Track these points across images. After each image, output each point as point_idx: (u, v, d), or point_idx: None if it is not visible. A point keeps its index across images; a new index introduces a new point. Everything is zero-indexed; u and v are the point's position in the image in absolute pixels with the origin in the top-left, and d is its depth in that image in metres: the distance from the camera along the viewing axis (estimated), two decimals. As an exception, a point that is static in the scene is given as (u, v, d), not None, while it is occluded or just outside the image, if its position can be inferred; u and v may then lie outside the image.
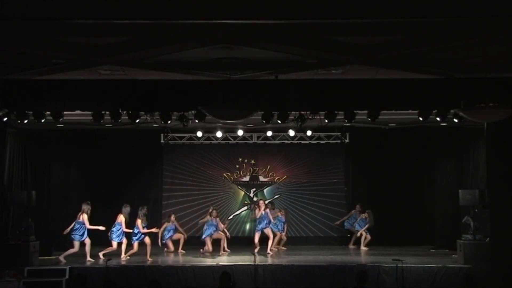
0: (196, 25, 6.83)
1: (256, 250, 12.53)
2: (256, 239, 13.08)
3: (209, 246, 13.04)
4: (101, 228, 12.22)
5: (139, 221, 12.27)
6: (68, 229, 12.14)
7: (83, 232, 12.12)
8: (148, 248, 12.21)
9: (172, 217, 13.56)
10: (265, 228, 13.13)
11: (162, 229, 13.39)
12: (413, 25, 6.90)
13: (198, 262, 11.75)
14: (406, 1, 6.36)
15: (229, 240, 13.54)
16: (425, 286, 10.80)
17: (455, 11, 6.40)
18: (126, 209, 12.57)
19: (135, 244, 12.33)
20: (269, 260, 11.88)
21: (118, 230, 12.35)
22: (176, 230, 13.55)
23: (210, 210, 13.40)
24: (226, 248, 13.23)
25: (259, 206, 13.39)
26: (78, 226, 12.12)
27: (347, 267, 11.18)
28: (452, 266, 11.10)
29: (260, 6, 6.36)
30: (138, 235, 12.28)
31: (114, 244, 12.32)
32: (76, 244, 12.10)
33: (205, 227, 13.20)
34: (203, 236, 13.11)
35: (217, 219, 13.32)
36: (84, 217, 12.13)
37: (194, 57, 8.68)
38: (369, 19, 6.63)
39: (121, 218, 12.40)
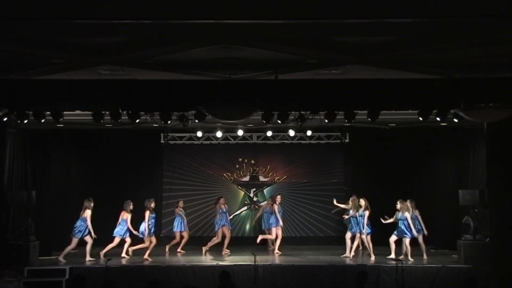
0: (196, 25, 6.84)
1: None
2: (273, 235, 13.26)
3: (219, 236, 13.08)
4: (93, 235, 12.10)
5: (147, 213, 12.23)
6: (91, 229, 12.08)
7: (84, 230, 12.08)
8: (151, 246, 12.20)
9: (181, 203, 13.57)
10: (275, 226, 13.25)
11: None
12: (414, 25, 6.90)
13: (198, 262, 11.75)
14: (406, 1, 6.36)
15: (230, 240, 13.56)
16: (425, 286, 10.79)
17: (456, 11, 6.40)
18: (129, 205, 12.53)
19: (152, 238, 12.28)
20: (269, 260, 11.87)
21: (124, 227, 12.33)
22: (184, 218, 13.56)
23: (222, 200, 13.47)
24: (226, 249, 13.23)
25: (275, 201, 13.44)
26: (80, 223, 12.09)
27: (347, 267, 11.20)
28: (452, 266, 11.10)
29: (260, 6, 6.36)
30: (150, 230, 12.22)
31: (117, 240, 12.29)
32: (75, 241, 12.05)
33: (217, 217, 13.22)
34: (217, 228, 13.16)
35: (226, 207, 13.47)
36: (87, 213, 12.08)
37: (194, 57, 8.69)
38: (369, 19, 6.63)
39: (126, 215, 12.38)
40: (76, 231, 12.05)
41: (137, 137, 14.38)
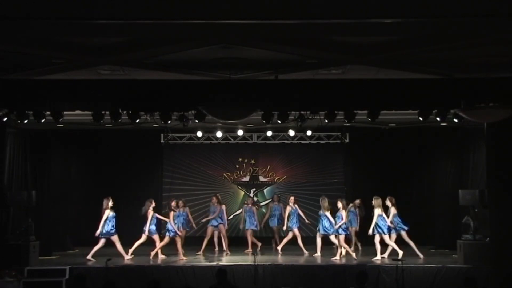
0: (196, 25, 6.83)
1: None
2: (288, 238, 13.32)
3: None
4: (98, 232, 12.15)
5: (172, 213, 12.24)
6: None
7: (112, 225, 12.10)
8: (160, 245, 12.26)
9: (181, 203, 13.42)
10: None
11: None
12: (413, 25, 6.90)
13: (198, 262, 11.76)
14: (406, 1, 6.36)
15: (229, 240, 13.60)
16: (425, 286, 10.79)
17: (456, 11, 6.40)
18: (151, 204, 12.51)
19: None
20: (269, 260, 11.87)
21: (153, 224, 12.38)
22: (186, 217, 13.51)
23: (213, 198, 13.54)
24: (225, 249, 13.24)
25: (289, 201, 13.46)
26: (108, 222, 12.10)
27: (347, 267, 11.19)
28: (452, 266, 11.10)
29: (260, 6, 6.35)
30: (173, 230, 12.25)
31: (156, 237, 12.36)
32: (115, 238, 12.11)
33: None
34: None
35: (219, 206, 13.37)
36: (105, 212, 12.12)
37: (194, 57, 8.69)
38: (369, 19, 6.63)
39: (151, 213, 12.36)
40: (109, 230, 12.09)
41: (137, 137, 14.38)
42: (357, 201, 13.73)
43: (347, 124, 12.14)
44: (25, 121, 10.03)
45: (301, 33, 7.52)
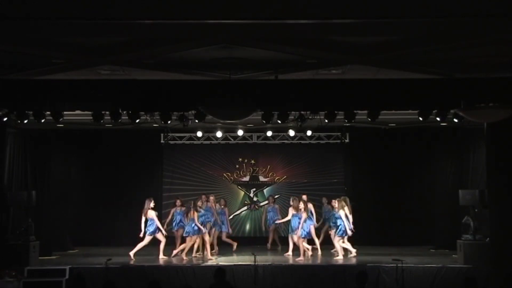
0: (196, 25, 6.84)
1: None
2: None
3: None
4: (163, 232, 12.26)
5: (196, 213, 12.22)
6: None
7: (155, 228, 12.12)
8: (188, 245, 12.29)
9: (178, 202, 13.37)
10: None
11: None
12: (413, 25, 6.90)
13: (198, 262, 11.75)
14: (406, 1, 6.36)
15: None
16: (425, 286, 10.79)
17: (456, 11, 6.40)
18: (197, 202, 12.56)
19: (205, 235, 12.36)
20: (269, 260, 11.87)
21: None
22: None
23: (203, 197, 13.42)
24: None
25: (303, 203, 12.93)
26: (150, 222, 12.13)
27: (347, 267, 11.20)
28: (452, 266, 11.11)
29: (260, 6, 6.36)
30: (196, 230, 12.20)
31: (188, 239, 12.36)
32: (148, 238, 12.11)
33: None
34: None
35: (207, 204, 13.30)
36: (151, 214, 12.10)
37: (194, 57, 8.69)
38: (369, 19, 6.63)
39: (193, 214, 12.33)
40: (149, 228, 12.10)
41: (137, 137, 14.39)
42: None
43: (347, 124, 12.15)
44: (25, 121, 10.02)
45: (301, 33, 7.53)
